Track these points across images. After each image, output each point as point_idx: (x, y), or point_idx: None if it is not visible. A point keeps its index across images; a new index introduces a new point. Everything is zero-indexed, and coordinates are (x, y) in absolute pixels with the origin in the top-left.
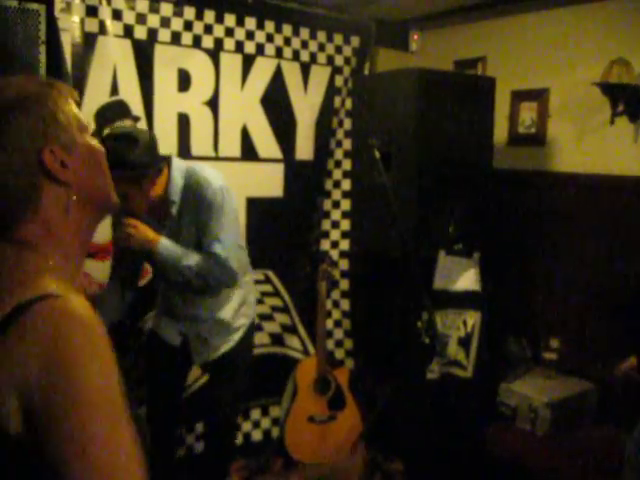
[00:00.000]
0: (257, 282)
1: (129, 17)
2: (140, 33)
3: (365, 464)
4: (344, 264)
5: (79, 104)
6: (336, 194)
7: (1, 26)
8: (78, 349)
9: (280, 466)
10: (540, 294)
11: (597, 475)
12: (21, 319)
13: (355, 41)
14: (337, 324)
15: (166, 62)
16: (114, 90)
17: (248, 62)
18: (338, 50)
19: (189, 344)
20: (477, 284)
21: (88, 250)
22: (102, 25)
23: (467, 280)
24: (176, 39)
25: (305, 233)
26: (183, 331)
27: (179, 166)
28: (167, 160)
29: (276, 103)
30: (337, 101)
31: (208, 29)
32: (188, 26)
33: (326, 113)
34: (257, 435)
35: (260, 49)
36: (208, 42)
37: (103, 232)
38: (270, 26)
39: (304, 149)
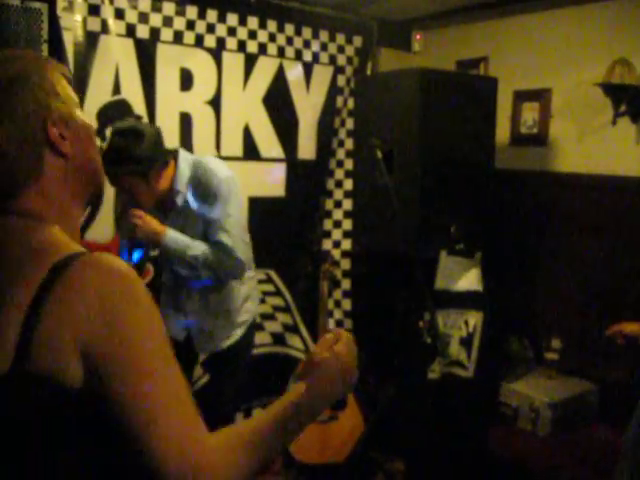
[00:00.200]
0: (259, 281)
1: (131, 16)
2: (142, 32)
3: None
4: (346, 264)
5: (70, 81)
6: (338, 194)
7: (3, 25)
8: (129, 299)
9: (281, 466)
10: (542, 294)
11: (598, 475)
12: (66, 276)
13: (357, 41)
14: (339, 324)
15: (168, 61)
16: (116, 89)
17: (250, 61)
18: (340, 50)
19: (193, 339)
20: (479, 284)
21: (80, 221)
22: (104, 24)
23: (469, 280)
24: (178, 38)
25: (307, 233)
26: (187, 326)
27: (186, 158)
28: (174, 153)
29: (278, 103)
30: (339, 101)
31: (210, 28)
32: (190, 25)
33: (328, 113)
34: None
35: (262, 48)
36: (210, 41)
37: (104, 231)
38: (272, 25)
39: (306, 149)
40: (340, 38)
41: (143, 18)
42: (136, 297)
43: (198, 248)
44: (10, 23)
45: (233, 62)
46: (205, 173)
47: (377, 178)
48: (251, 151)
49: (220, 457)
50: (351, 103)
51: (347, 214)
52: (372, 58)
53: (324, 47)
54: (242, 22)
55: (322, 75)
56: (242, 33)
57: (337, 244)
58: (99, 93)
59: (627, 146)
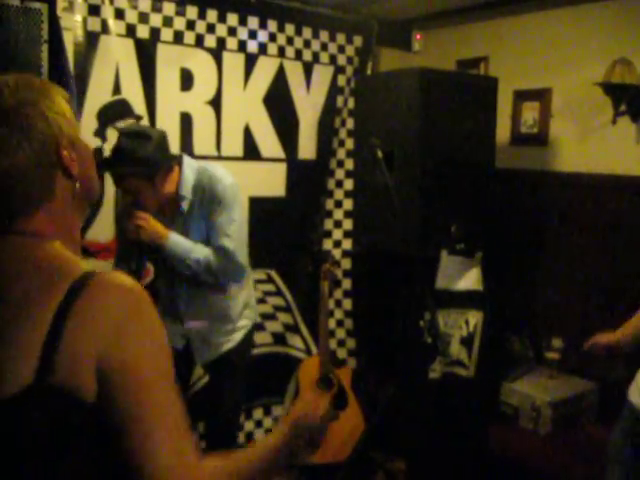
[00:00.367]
0: (259, 281)
1: (131, 16)
2: (142, 32)
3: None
4: (346, 263)
5: (70, 104)
6: (338, 193)
7: (3, 25)
8: (137, 317)
9: None
10: (542, 294)
11: (599, 474)
12: (84, 297)
13: (358, 41)
14: (339, 323)
15: (168, 61)
16: (116, 89)
17: (251, 61)
18: (341, 50)
19: (191, 345)
20: (479, 284)
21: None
22: (104, 24)
23: (469, 280)
24: (178, 38)
25: (307, 232)
26: (185, 333)
27: (190, 164)
28: (178, 158)
29: (279, 102)
30: (340, 101)
31: (211, 28)
32: (190, 25)
33: (329, 113)
34: (259, 434)
35: (263, 48)
36: (210, 41)
37: (104, 232)
38: (273, 25)
39: (306, 148)
40: (340, 38)
41: (143, 18)
42: (144, 314)
43: (201, 252)
44: (10, 23)
45: (233, 62)
46: (211, 179)
47: (377, 178)
48: (251, 151)
49: None
50: (351, 103)
51: (347, 214)
52: (372, 58)
53: (324, 47)
54: (242, 22)
55: (322, 75)
56: (242, 33)
57: (338, 244)
58: (99, 93)
59: (627, 146)
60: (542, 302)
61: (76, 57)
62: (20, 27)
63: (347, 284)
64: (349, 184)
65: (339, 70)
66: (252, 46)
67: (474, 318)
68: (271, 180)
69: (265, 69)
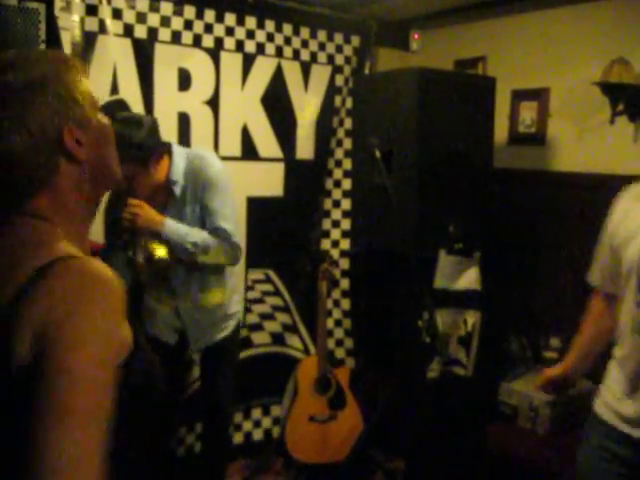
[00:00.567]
0: (258, 281)
1: (129, 16)
2: (140, 32)
3: None
4: (344, 263)
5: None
6: (336, 193)
7: (1, 25)
8: (93, 312)
9: (281, 466)
10: (540, 293)
11: None
12: (44, 277)
13: (355, 40)
14: (338, 323)
15: (166, 61)
16: (114, 89)
17: (248, 61)
18: (339, 49)
19: (187, 336)
20: (477, 283)
21: (93, 222)
22: (102, 24)
23: (467, 279)
24: (176, 38)
25: (305, 232)
26: (179, 326)
27: (179, 150)
28: (168, 146)
29: (276, 102)
30: (337, 100)
31: (208, 28)
32: (188, 25)
33: (327, 112)
34: (258, 434)
35: (260, 48)
36: (208, 41)
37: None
38: (270, 25)
39: (304, 148)
40: (338, 38)
41: (141, 18)
42: (100, 310)
43: (197, 235)
44: (8, 23)
45: (231, 62)
46: (202, 164)
47: (375, 178)
48: (249, 151)
49: None
50: (349, 103)
51: (346, 214)
52: (370, 58)
53: (322, 47)
54: (240, 22)
55: (320, 75)
56: (240, 33)
57: (336, 244)
58: (97, 93)
59: (625, 145)
60: (540, 302)
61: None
62: (18, 27)
63: (345, 284)
64: (347, 184)
65: (337, 70)
66: (250, 46)
67: (472, 318)
68: (269, 180)
69: (263, 69)
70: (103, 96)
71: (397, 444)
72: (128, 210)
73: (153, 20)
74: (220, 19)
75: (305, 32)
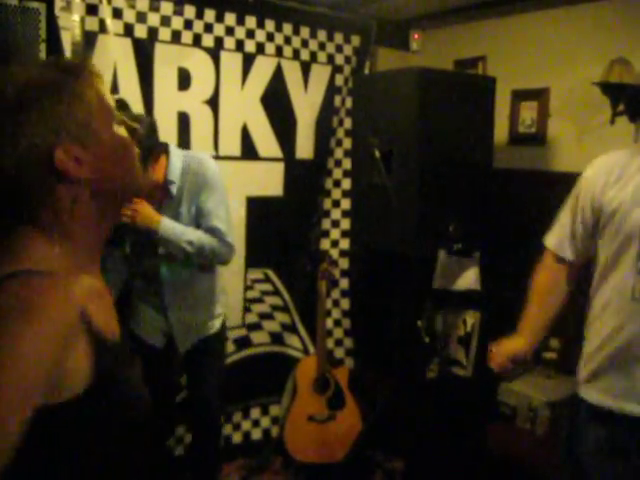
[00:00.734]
0: (257, 281)
1: (129, 16)
2: (140, 32)
3: None
4: (344, 263)
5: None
6: (336, 193)
7: (1, 25)
8: (21, 326)
9: (279, 465)
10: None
11: None
12: None
13: (355, 40)
14: (337, 323)
15: (166, 61)
16: (114, 89)
17: (248, 61)
18: (338, 49)
19: (174, 337)
20: (477, 284)
21: (104, 240)
22: (102, 24)
23: (467, 279)
24: (176, 38)
25: (305, 232)
26: (166, 328)
27: (176, 152)
28: (165, 146)
29: (276, 102)
30: (337, 100)
31: (208, 28)
32: (188, 25)
33: (326, 112)
34: (257, 434)
35: (260, 48)
36: (208, 41)
37: None
38: (270, 25)
39: (304, 148)
40: (338, 37)
41: (141, 18)
42: (38, 332)
43: (192, 234)
44: (8, 23)
45: (231, 61)
46: (199, 165)
47: (375, 177)
48: (249, 151)
49: None
50: (349, 102)
51: (345, 213)
52: (370, 57)
53: (322, 46)
54: (240, 22)
55: (320, 74)
56: (240, 33)
57: (335, 243)
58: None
59: (625, 145)
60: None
61: (74, 57)
62: (18, 27)
63: (345, 284)
64: (347, 184)
65: (337, 70)
66: (250, 46)
67: (472, 318)
68: (269, 180)
69: (263, 68)
70: None
71: (396, 444)
72: (128, 207)
73: (153, 20)
74: (220, 19)
75: (305, 32)
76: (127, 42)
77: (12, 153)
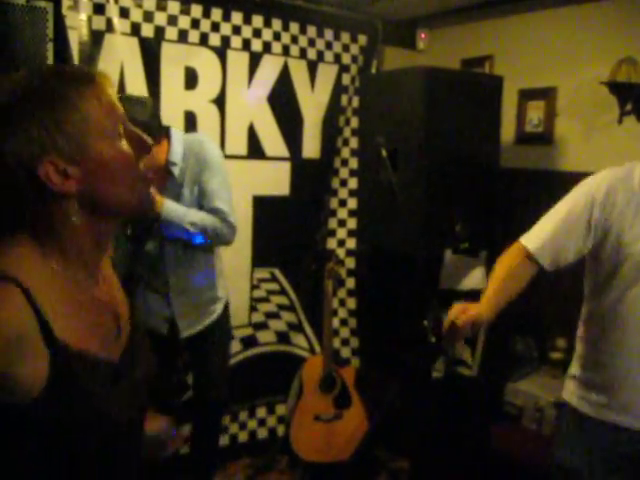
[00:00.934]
0: (263, 280)
1: (136, 15)
2: (147, 31)
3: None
4: (350, 263)
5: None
6: (343, 192)
7: (9, 24)
8: None
9: (285, 464)
10: (546, 293)
11: None
12: None
13: (362, 39)
14: (343, 323)
15: (173, 60)
16: (121, 88)
17: (255, 60)
18: (345, 48)
19: (177, 321)
20: (483, 283)
21: (103, 253)
22: (109, 23)
23: (473, 279)
24: (183, 37)
25: (311, 231)
26: (169, 315)
27: (177, 134)
28: (166, 129)
29: (283, 101)
30: (344, 99)
31: (215, 27)
32: (195, 24)
33: (333, 111)
34: (263, 433)
35: (267, 47)
36: (215, 40)
37: None
38: (277, 24)
39: (311, 147)
40: (345, 37)
41: (148, 17)
42: None
43: (195, 215)
44: (16, 22)
45: (237, 61)
46: (201, 146)
47: (382, 177)
48: (256, 150)
49: None
50: (356, 102)
51: (352, 213)
52: (377, 57)
53: (329, 46)
54: (247, 21)
55: (327, 74)
56: (247, 32)
57: (342, 243)
58: (114, 93)
59: (633, 145)
60: (546, 302)
61: (81, 56)
62: (25, 26)
63: (351, 283)
64: (353, 183)
65: (343, 69)
66: (256, 45)
67: None
68: (275, 179)
69: (269, 68)
70: None
71: (402, 444)
72: None
73: (160, 19)
74: (227, 18)
75: (312, 31)
76: (134, 41)
77: (1, 162)
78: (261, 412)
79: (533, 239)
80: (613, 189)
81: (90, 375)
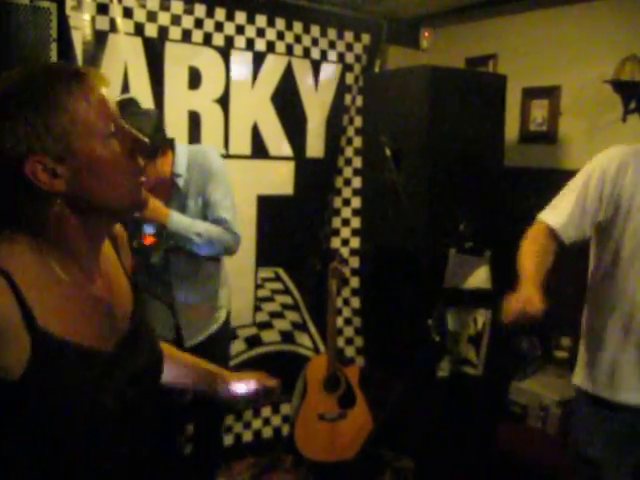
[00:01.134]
0: (267, 280)
1: (140, 15)
2: (151, 31)
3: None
4: (354, 262)
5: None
6: (346, 192)
7: (12, 24)
8: None
9: (290, 464)
10: (551, 292)
11: None
12: None
13: (366, 38)
14: (347, 322)
15: (177, 60)
16: (125, 88)
17: (259, 60)
18: (349, 47)
19: (181, 331)
20: (488, 282)
21: (97, 250)
22: (113, 23)
23: (478, 278)
24: (187, 37)
25: (315, 231)
26: (173, 323)
27: (181, 146)
28: (170, 141)
29: (287, 101)
30: (348, 98)
31: (219, 27)
32: (199, 24)
33: (337, 111)
34: (267, 432)
35: (271, 47)
36: (219, 40)
37: None
38: (281, 24)
39: (314, 147)
40: (348, 36)
41: (151, 17)
42: None
43: (200, 226)
44: (19, 22)
45: (241, 60)
46: (205, 158)
47: (386, 176)
48: (259, 149)
49: None
50: (359, 101)
51: (356, 212)
52: (380, 56)
53: (332, 45)
54: (250, 20)
55: (330, 73)
56: (250, 31)
57: (346, 242)
58: (107, 92)
59: (638, 143)
60: (551, 301)
61: (85, 56)
62: (29, 26)
63: (355, 282)
64: (357, 182)
65: (347, 68)
66: (260, 44)
67: (482, 317)
68: (279, 178)
69: (273, 67)
70: (114, 95)
71: (406, 443)
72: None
73: (163, 19)
74: (230, 17)
75: (315, 30)
76: (137, 41)
77: None
78: (266, 411)
79: (554, 216)
80: (624, 164)
81: (74, 363)
